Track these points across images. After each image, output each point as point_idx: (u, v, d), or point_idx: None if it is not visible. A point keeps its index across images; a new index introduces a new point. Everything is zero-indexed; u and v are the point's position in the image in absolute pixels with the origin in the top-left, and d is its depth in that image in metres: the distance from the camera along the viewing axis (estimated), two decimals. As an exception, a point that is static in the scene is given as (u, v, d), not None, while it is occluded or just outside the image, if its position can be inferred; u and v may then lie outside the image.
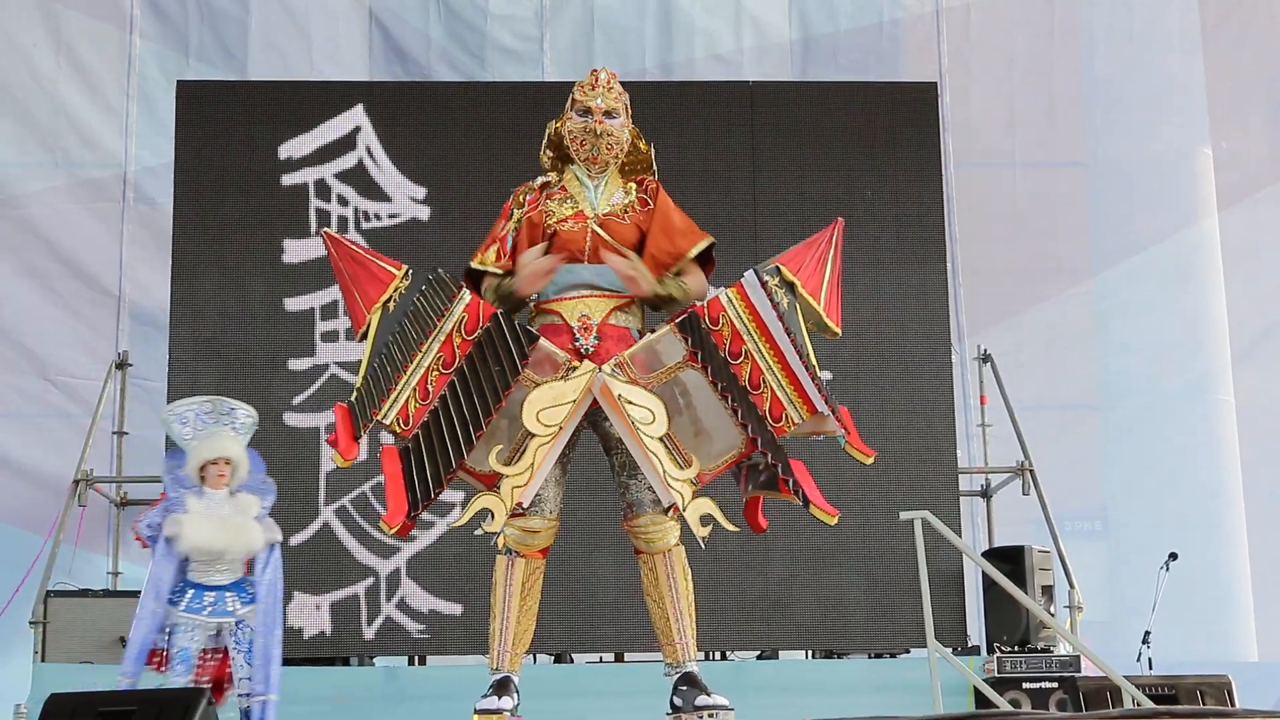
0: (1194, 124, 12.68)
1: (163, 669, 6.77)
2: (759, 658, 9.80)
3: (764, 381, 4.40)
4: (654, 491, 4.58)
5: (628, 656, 9.63)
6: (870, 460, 4.62)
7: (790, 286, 4.63)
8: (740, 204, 10.15)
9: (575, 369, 4.40)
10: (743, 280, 4.61)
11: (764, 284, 4.56)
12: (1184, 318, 12.27)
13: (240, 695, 6.90)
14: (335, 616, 9.62)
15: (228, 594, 6.92)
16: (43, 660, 9.22)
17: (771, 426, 4.35)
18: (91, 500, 10.07)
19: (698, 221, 9.94)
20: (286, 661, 9.56)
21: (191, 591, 6.88)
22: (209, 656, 6.88)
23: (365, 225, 10.09)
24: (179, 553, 6.82)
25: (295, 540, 9.70)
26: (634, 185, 5.11)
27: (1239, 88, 12.86)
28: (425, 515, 9.61)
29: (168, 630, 6.78)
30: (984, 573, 9.03)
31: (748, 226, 10.10)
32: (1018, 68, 12.75)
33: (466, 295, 4.48)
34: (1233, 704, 7.19)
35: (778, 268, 4.68)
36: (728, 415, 4.37)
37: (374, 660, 9.76)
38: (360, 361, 4.61)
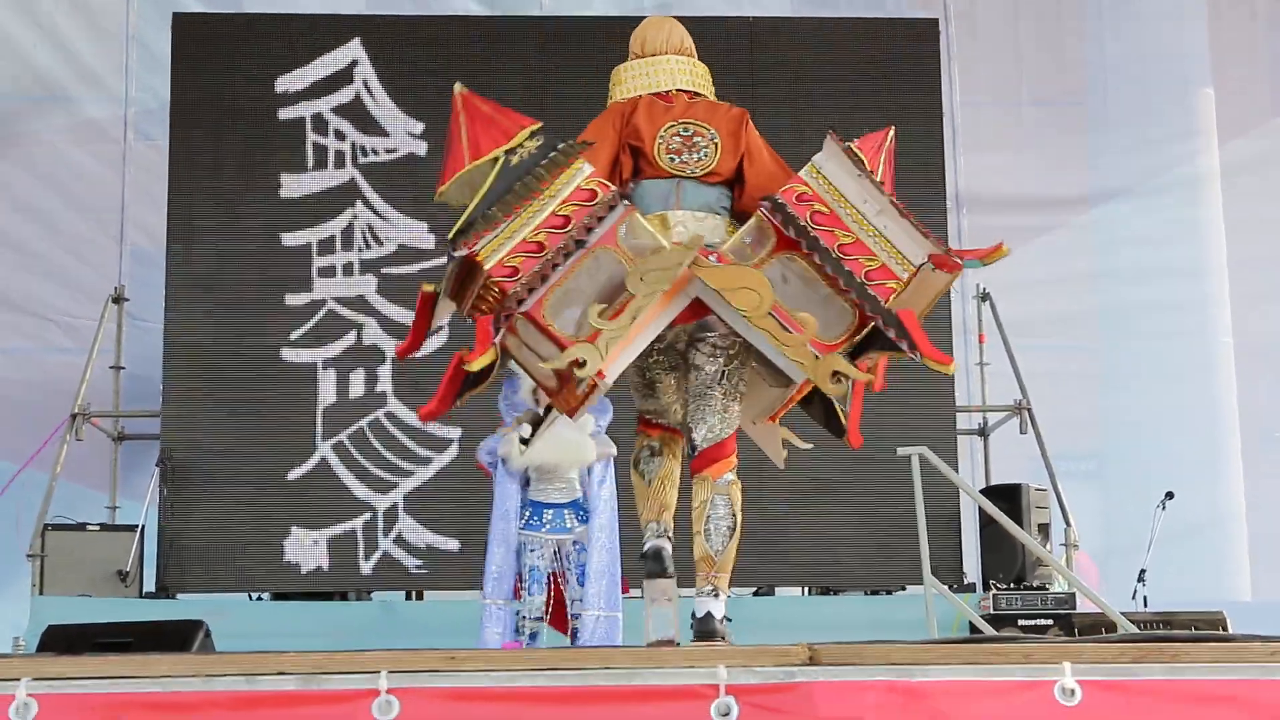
0: (1196, 61, 12.61)
1: (518, 595, 6.88)
2: (755, 594, 9.83)
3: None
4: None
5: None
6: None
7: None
8: (739, 140, 10.09)
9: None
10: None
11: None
12: (1182, 258, 12.24)
13: (572, 616, 6.90)
14: (333, 552, 9.65)
15: (566, 511, 6.96)
16: (40, 593, 9.26)
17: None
18: (90, 435, 10.07)
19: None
20: (281, 596, 9.66)
21: (530, 509, 6.96)
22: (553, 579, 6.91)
23: (362, 160, 10.04)
24: (514, 471, 6.89)
25: (292, 475, 9.72)
26: None
27: (1241, 23, 12.77)
28: (422, 451, 9.72)
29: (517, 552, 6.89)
30: (981, 510, 9.05)
31: (746, 163, 10.05)
32: (1021, 4, 12.66)
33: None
34: (1227, 641, 7.20)
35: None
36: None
37: (371, 595, 9.79)
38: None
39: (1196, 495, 11.23)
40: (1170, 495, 9.86)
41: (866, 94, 10.16)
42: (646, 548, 4.57)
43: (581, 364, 4.05)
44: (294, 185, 10.00)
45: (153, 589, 9.55)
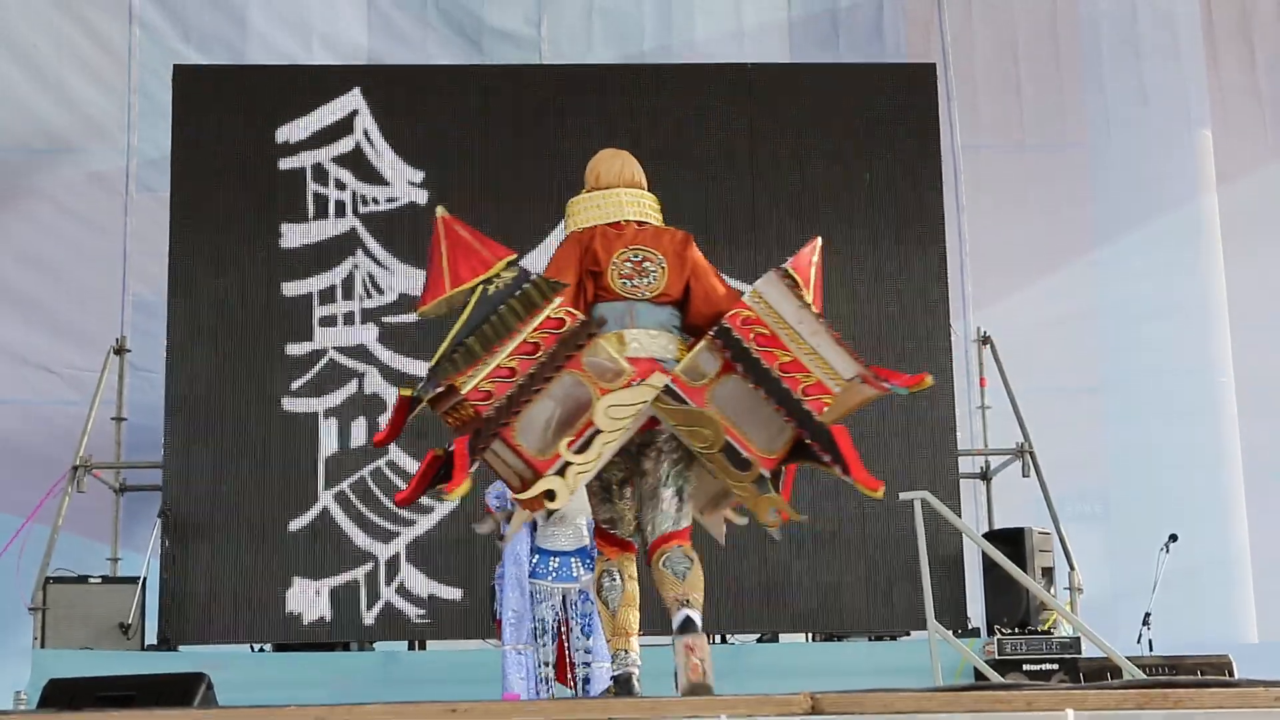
0: (1195, 103, 12.65)
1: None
2: (759, 641, 9.80)
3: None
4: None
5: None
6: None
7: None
8: (739, 186, 10.13)
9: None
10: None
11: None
12: (1183, 299, 12.25)
13: (581, 665, 6.85)
14: (335, 602, 9.62)
15: (573, 559, 6.92)
16: (42, 646, 9.23)
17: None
18: (92, 486, 10.07)
19: (698, 205, 9.97)
20: (283, 647, 9.63)
21: (537, 556, 6.92)
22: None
23: (363, 209, 10.07)
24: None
25: (294, 525, 9.70)
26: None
27: (1240, 64, 12.82)
28: (425, 500, 9.70)
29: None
30: (984, 554, 9.02)
31: (746, 208, 10.09)
32: (1021, 49, 12.70)
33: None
34: (1233, 685, 7.17)
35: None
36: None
37: (374, 646, 9.75)
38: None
39: (1201, 536, 11.20)
40: (1174, 538, 9.83)
41: (865, 139, 10.20)
42: (616, 673, 4.92)
43: (551, 495, 4.57)
44: (295, 235, 10.02)
45: (155, 641, 9.52)
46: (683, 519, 4.85)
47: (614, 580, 4.91)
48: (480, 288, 4.68)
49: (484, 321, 4.62)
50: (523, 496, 4.59)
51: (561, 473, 4.59)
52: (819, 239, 4.99)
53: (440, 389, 4.54)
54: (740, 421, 4.66)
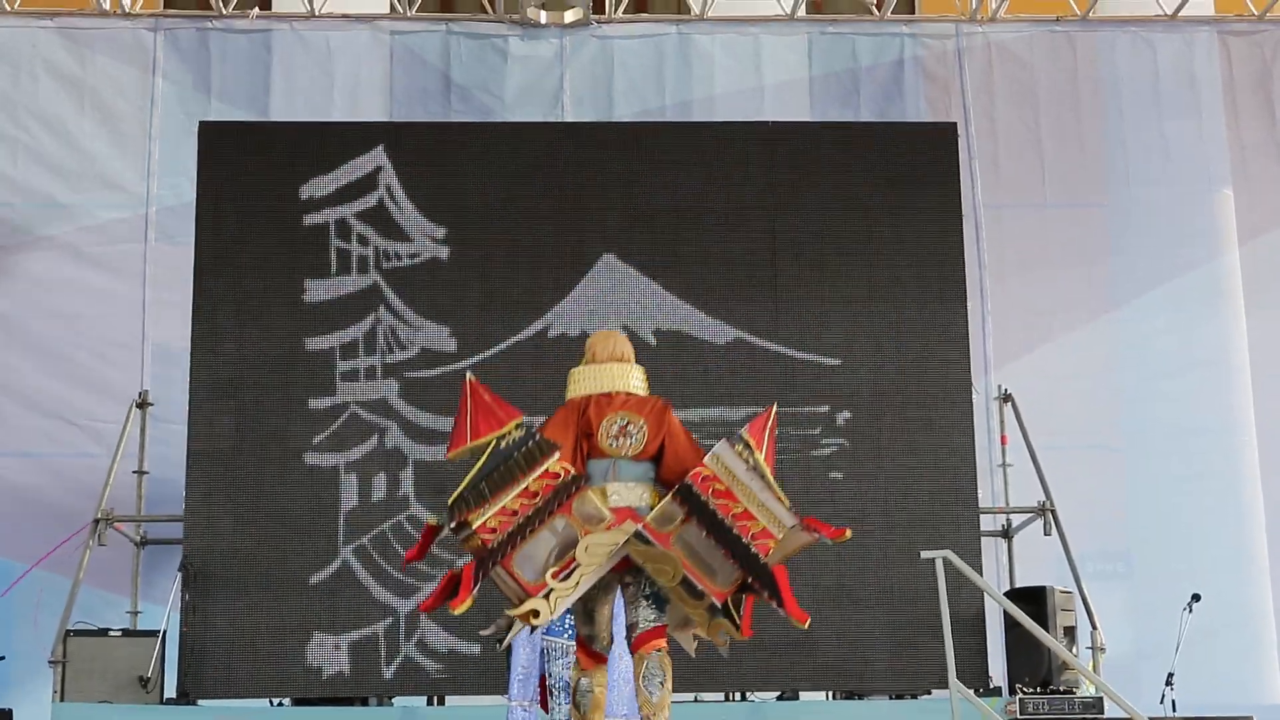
0: (1216, 161, 12.68)
1: (546, 706, 6.91)
2: (779, 698, 9.76)
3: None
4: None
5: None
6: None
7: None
8: (759, 243, 10.16)
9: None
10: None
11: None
12: (1205, 357, 12.24)
13: None
14: (354, 656, 9.60)
15: None
16: (62, 700, 9.23)
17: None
18: (112, 538, 10.10)
19: (717, 261, 10.00)
20: (303, 701, 9.61)
21: None
22: None
23: (386, 265, 10.11)
24: None
25: (314, 579, 9.70)
26: None
27: (1260, 123, 12.86)
28: (444, 555, 9.72)
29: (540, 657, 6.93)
30: (1006, 613, 8.99)
31: (766, 266, 10.12)
32: (1041, 107, 12.76)
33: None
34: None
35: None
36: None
37: (393, 701, 9.73)
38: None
39: (1224, 595, 11.16)
40: (1197, 597, 9.80)
41: (886, 198, 10.22)
42: None
43: (535, 614, 5.66)
44: (318, 290, 10.06)
45: (174, 695, 9.51)
46: (661, 618, 5.89)
47: (587, 689, 5.98)
48: (494, 441, 5.78)
49: (494, 470, 5.73)
50: (514, 613, 5.71)
51: (547, 596, 5.71)
52: (775, 405, 6.02)
53: (455, 523, 5.68)
54: (697, 561, 5.71)
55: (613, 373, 6.05)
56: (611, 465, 5.89)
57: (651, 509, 5.81)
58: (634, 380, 6.09)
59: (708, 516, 5.71)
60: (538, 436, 5.78)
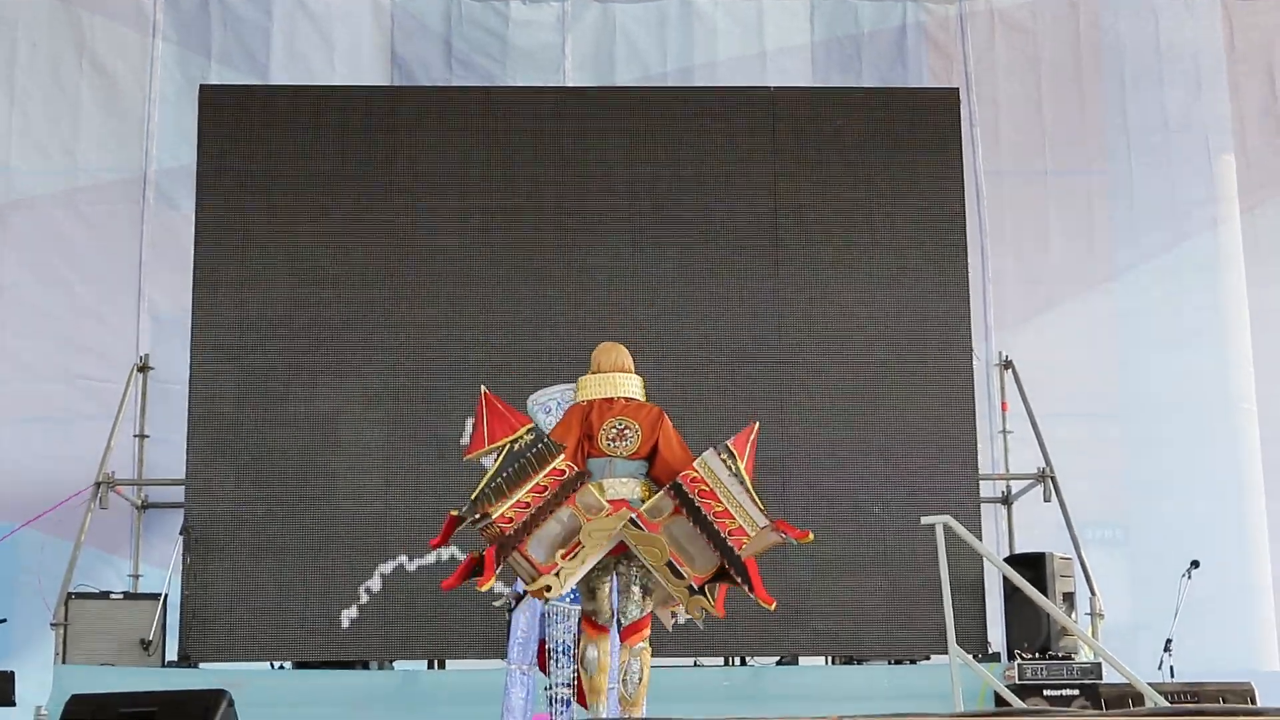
0: (1217, 128, 12.65)
1: (542, 662, 7.20)
2: (778, 664, 9.78)
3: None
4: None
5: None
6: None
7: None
8: (761, 209, 10.15)
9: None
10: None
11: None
12: (1205, 324, 12.23)
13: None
14: (355, 620, 9.61)
15: None
16: (63, 662, 9.25)
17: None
18: (113, 502, 10.11)
19: (720, 226, 10.00)
20: (304, 665, 9.65)
21: None
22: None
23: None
24: None
25: (315, 543, 9.72)
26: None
27: (1261, 89, 12.83)
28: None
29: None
30: (1005, 579, 9.00)
31: (769, 231, 10.11)
32: (1043, 74, 12.71)
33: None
34: (1255, 712, 7.15)
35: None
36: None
37: (393, 664, 9.76)
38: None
39: (1223, 562, 11.17)
40: (1196, 564, 9.81)
41: (888, 163, 10.21)
42: None
43: (548, 589, 6.49)
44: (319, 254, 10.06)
45: (175, 657, 9.54)
46: (645, 609, 6.66)
47: (593, 654, 6.66)
48: (508, 445, 6.59)
49: (509, 469, 6.55)
50: (530, 588, 6.57)
51: (558, 574, 6.52)
52: (757, 424, 6.67)
53: (477, 515, 6.47)
54: (680, 549, 6.50)
55: (614, 381, 6.91)
56: (608, 464, 6.70)
57: (643, 501, 6.66)
58: (633, 388, 6.92)
59: (695, 511, 6.54)
60: (546, 439, 6.68)
